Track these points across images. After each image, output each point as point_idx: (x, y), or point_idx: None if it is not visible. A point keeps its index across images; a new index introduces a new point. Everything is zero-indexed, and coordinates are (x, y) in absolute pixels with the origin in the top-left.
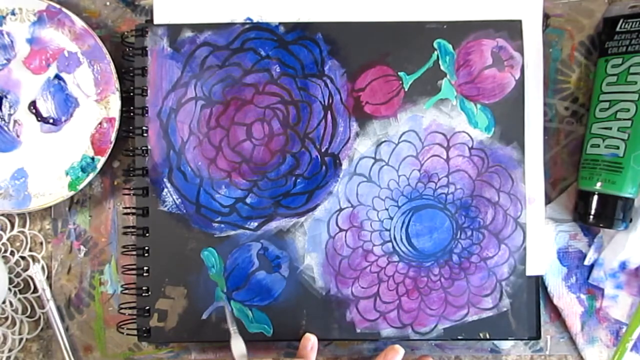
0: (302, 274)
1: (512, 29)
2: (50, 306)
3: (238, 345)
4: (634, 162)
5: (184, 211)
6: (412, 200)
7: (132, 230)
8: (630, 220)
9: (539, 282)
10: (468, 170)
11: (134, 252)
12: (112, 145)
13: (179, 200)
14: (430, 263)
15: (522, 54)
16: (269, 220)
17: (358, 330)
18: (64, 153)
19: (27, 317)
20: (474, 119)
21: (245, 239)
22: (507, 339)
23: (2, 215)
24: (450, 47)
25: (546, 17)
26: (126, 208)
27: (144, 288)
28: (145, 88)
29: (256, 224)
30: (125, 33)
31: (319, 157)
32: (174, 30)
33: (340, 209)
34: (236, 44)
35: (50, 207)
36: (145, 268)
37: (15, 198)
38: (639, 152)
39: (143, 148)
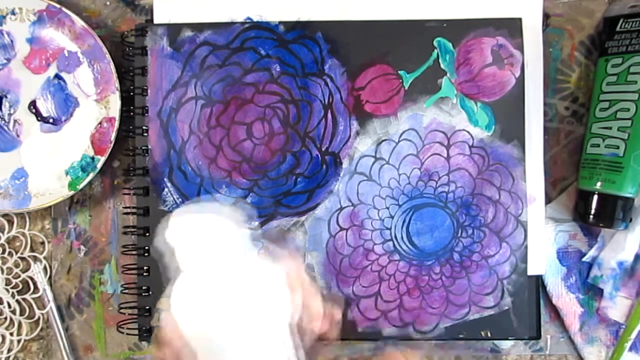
0: None
1: (512, 27)
2: (51, 306)
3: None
4: (634, 161)
5: None
6: (413, 199)
7: (133, 230)
8: (630, 220)
9: (539, 282)
10: (468, 169)
11: (134, 252)
12: (112, 145)
13: (180, 199)
14: (431, 262)
15: (522, 51)
16: (270, 220)
17: (359, 330)
18: (64, 153)
19: (25, 318)
20: (474, 117)
21: None
22: (508, 339)
23: (1, 216)
24: (450, 45)
25: (546, 16)
26: (126, 208)
27: (144, 288)
28: (145, 88)
29: (257, 223)
30: (125, 33)
31: (319, 156)
32: (173, 30)
33: (341, 208)
34: (236, 44)
35: (50, 206)
36: (146, 268)
37: (15, 198)
38: (639, 152)
39: (143, 148)
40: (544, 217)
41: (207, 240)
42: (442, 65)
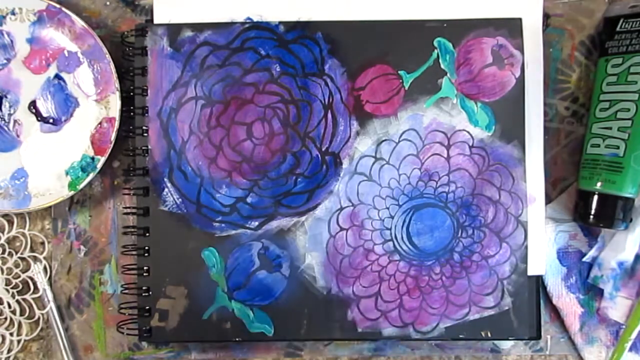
0: (303, 274)
1: (512, 27)
2: (51, 306)
3: None
4: (634, 162)
5: (185, 211)
6: (413, 199)
7: (132, 230)
8: (630, 220)
9: (539, 282)
10: (469, 169)
11: (134, 252)
12: (112, 145)
13: (180, 199)
14: (431, 262)
15: (522, 52)
16: (270, 220)
17: (359, 330)
18: (64, 153)
19: (25, 318)
20: (475, 117)
21: (246, 238)
22: (508, 339)
23: (1, 216)
24: (450, 45)
25: (546, 16)
26: (126, 208)
27: (144, 288)
28: (145, 88)
29: (257, 223)
30: (125, 33)
31: (319, 156)
32: (174, 30)
33: (341, 208)
34: (236, 44)
35: (50, 207)
36: (146, 268)
37: (15, 198)
38: (639, 152)
39: (143, 148)
40: (544, 217)
41: None
42: (442, 65)
